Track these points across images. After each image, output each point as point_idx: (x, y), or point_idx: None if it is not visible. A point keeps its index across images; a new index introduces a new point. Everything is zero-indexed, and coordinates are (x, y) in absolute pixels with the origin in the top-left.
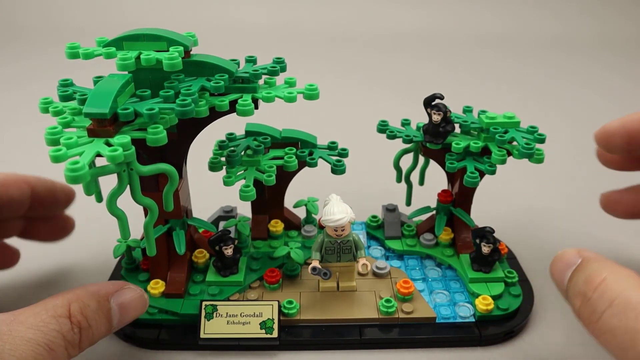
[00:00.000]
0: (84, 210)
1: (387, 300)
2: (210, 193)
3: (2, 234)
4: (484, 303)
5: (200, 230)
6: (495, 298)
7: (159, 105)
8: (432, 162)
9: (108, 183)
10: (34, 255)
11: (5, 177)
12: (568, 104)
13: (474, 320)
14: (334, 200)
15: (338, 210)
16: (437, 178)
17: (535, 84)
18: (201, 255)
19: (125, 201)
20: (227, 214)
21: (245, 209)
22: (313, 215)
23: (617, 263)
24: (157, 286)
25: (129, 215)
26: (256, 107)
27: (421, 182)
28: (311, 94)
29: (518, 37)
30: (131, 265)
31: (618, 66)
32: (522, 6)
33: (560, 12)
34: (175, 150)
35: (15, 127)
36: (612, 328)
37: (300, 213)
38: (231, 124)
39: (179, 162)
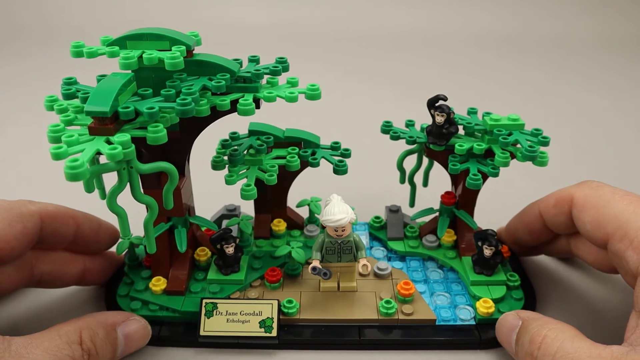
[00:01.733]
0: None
1: (387, 302)
2: (215, 191)
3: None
4: (485, 306)
5: (203, 229)
6: (496, 301)
7: (159, 104)
8: (436, 164)
9: (112, 180)
10: None
11: (54, 209)
12: (568, 104)
13: (474, 323)
14: (335, 201)
15: (338, 210)
16: (442, 179)
17: (535, 84)
18: (203, 254)
19: (129, 198)
20: (231, 212)
21: (248, 208)
22: (316, 215)
23: (553, 319)
24: (158, 283)
25: (133, 212)
26: (258, 107)
27: (425, 184)
28: (313, 94)
29: (520, 38)
30: (134, 262)
31: (618, 66)
32: (523, 6)
33: (561, 12)
34: (178, 149)
35: (15, 127)
36: None
37: (304, 213)
38: (236, 123)
39: (182, 160)
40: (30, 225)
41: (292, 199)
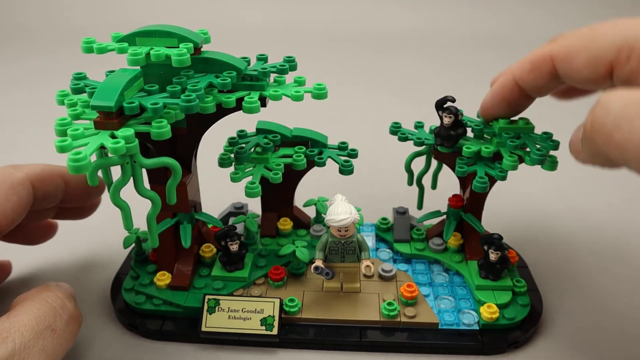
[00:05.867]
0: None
1: (390, 304)
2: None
3: (36, 219)
4: (489, 311)
5: (210, 226)
6: (501, 307)
7: (163, 100)
8: (446, 166)
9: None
10: (46, 243)
11: (41, 171)
12: (567, 103)
13: (477, 328)
14: (339, 201)
15: (342, 210)
16: (451, 182)
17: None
18: (208, 250)
19: (135, 193)
20: (238, 210)
21: (255, 206)
22: (322, 215)
23: None
24: (163, 278)
25: (142, 206)
26: (264, 105)
27: (434, 186)
28: (319, 94)
29: (519, 38)
30: (141, 256)
31: None
32: (522, 6)
33: (560, 12)
34: (185, 145)
35: (15, 127)
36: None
37: (311, 212)
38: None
39: (189, 156)
40: (25, 194)
41: (301, 198)
